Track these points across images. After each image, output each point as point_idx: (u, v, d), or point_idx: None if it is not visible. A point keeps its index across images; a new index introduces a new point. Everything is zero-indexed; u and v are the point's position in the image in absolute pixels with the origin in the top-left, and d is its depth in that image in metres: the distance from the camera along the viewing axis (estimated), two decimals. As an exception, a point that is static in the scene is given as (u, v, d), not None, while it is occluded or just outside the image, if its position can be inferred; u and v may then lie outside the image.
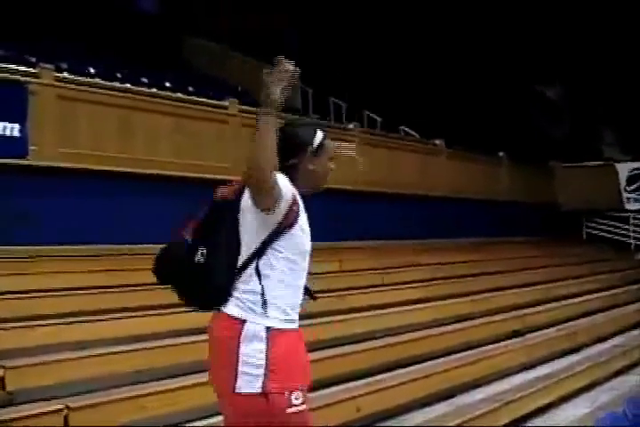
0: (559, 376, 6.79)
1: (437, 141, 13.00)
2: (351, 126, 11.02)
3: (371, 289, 8.03)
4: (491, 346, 7.49)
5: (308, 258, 2.73)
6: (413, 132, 14.01)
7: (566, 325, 8.88)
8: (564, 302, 9.91)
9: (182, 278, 2.67)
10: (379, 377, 5.96)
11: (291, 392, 2.54)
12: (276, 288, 2.60)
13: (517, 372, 7.14)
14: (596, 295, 10.86)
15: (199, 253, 2.64)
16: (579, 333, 8.54)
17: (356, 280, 8.15)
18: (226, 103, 9.14)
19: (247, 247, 2.63)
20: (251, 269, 2.61)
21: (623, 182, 17.10)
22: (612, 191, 16.91)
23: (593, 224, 17.08)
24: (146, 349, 5.12)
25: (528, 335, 8.14)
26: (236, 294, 2.62)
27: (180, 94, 9.48)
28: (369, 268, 8.93)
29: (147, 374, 4.91)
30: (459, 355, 6.99)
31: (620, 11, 17.43)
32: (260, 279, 2.59)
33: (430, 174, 12.48)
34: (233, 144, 8.89)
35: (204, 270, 2.63)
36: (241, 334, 2.55)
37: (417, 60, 16.76)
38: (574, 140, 18.99)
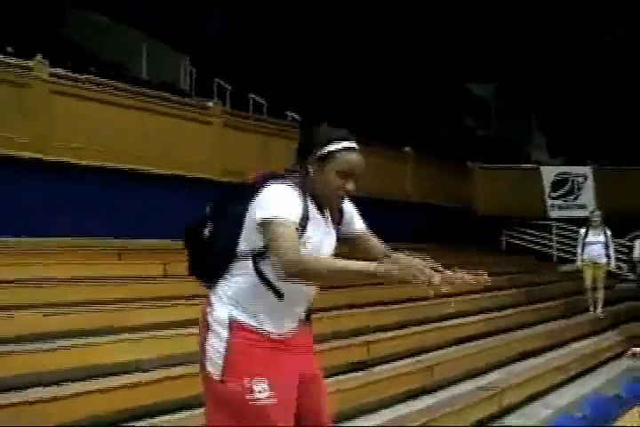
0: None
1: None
2: (210, 104, 9.19)
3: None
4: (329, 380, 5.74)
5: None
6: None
7: (425, 356, 6.99)
8: (436, 325, 7.98)
9: (192, 248, 2.77)
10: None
11: (250, 381, 2.51)
12: (252, 296, 2.58)
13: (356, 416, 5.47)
14: (488, 315, 9.17)
15: (207, 228, 2.70)
16: (437, 367, 6.64)
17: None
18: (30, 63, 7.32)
19: (246, 242, 2.60)
20: (241, 263, 2.59)
21: (548, 188, 15.59)
22: (535, 197, 15.40)
23: (512, 232, 15.53)
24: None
25: (375, 368, 6.40)
26: (224, 279, 2.63)
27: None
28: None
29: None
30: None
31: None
32: (244, 278, 2.59)
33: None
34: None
35: (206, 245, 2.69)
36: (209, 317, 2.61)
37: (316, 44, 15.07)
38: (499, 140, 17.51)
